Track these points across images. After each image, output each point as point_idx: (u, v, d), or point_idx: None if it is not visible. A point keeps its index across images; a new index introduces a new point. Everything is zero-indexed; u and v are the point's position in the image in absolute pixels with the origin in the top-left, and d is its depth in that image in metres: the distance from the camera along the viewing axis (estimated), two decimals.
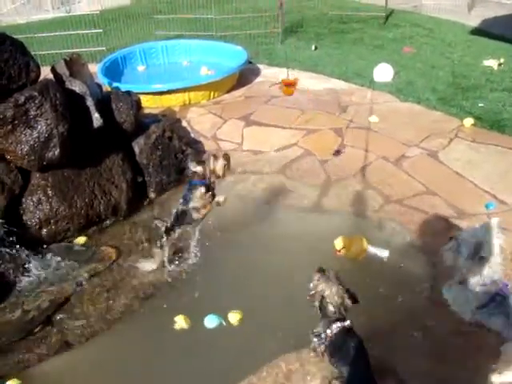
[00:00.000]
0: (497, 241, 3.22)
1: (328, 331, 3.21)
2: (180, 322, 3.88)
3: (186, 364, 3.58)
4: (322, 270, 3.35)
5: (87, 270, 4.45)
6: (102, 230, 5.06)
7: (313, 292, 3.30)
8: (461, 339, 3.54)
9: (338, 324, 3.19)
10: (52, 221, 4.73)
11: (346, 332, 3.19)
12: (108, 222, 5.11)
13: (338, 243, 4.51)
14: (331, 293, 3.23)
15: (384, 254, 4.50)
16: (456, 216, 4.88)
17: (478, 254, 3.23)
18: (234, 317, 3.90)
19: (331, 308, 3.22)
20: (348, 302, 3.23)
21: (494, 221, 3.24)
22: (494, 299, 3.23)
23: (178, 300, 4.15)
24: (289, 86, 7.34)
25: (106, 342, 3.83)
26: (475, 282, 3.29)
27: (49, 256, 4.60)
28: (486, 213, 4.84)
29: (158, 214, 5.31)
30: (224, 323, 3.90)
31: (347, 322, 3.21)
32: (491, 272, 3.24)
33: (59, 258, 4.57)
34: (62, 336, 3.86)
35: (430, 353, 3.49)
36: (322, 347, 3.26)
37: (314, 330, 3.31)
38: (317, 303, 3.29)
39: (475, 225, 3.49)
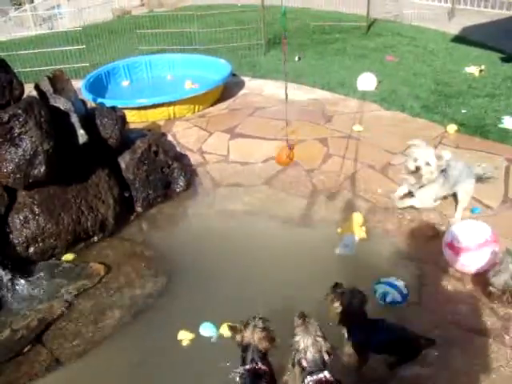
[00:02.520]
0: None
1: None
2: (184, 335, 3.90)
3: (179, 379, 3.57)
4: (302, 317, 3.12)
5: (76, 287, 4.42)
6: (90, 246, 5.05)
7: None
8: None
9: (313, 377, 2.90)
10: (39, 238, 4.71)
11: None
12: (96, 237, 5.10)
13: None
14: (305, 346, 2.98)
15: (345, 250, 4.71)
16: (441, 222, 4.92)
17: None
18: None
19: (304, 363, 2.96)
20: (325, 355, 2.96)
21: None
22: None
23: (171, 313, 4.15)
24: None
25: (97, 360, 3.80)
26: None
27: (37, 274, 4.57)
28: (472, 217, 4.88)
29: (145, 229, 5.33)
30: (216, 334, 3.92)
31: (322, 374, 2.91)
32: None
33: (47, 276, 4.54)
34: (52, 354, 3.83)
35: None
36: None
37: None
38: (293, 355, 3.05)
39: None
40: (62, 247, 4.86)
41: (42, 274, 4.59)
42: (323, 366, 2.92)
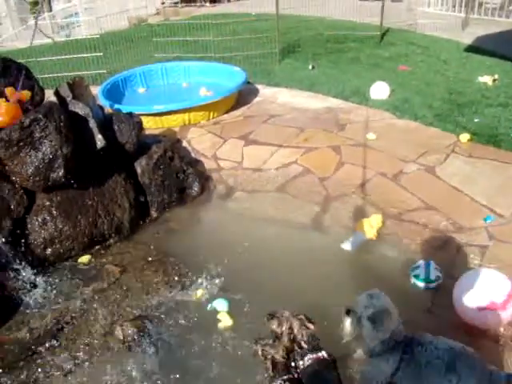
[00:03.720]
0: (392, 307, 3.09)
1: (301, 362, 3.20)
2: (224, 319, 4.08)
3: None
4: (272, 315, 3.36)
5: (91, 289, 4.51)
6: (106, 248, 5.14)
7: (280, 339, 3.30)
8: None
9: (310, 356, 3.18)
10: (57, 240, 4.81)
11: (320, 363, 3.17)
12: (111, 240, 5.19)
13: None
14: (296, 329, 3.27)
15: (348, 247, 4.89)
16: (454, 230, 4.95)
17: (380, 321, 3.00)
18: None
19: (304, 344, 3.24)
20: (311, 326, 3.28)
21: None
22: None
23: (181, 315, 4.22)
24: None
25: (114, 360, 3.86)
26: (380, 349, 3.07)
27: (53, 275, 4.68)
28: (485, 225, 4.92)
29: (159, 233, 5.41)
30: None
31: (321, 353, 3.19)
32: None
33: (64, 277, 4.65)
34: (70, 354, 3.91)
35: None
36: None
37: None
38: (290, 345, 3.28)
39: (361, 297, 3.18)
40: (79, 249, 4.96)
41: (58, 274, 4.70)
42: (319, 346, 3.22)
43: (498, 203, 5.15)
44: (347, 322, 3.11)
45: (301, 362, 3.19)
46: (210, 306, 4.27)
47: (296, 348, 3.26)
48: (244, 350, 3.73)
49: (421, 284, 4.39)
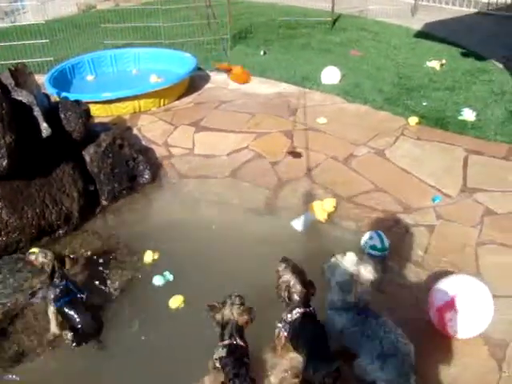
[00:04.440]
0: (368, 275, 3.45)
1: (289, 316, 3.38)
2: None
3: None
4: (285, 260, 3.53)
5: (40, 281, 4.39)
6: (55, 239, 5.02)
7: (279, 282, 3.48)
8: None
9: (298, 310, 3.36)
10: (3, 232, 4.67)
11: (307, 317, 3.36)
12: (60, 231, 5.07)
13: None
14: (295, 282, 3.42)
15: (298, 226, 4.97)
16: (403, 211, 5.06)
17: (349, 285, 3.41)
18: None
19: (296, 297, 3.41)
20: (310, 290, 3.46)
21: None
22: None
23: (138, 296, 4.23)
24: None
25: (63, 352, 3.79)
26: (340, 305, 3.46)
27: (1, 268, 4.54)
28: (433, 206, 5.04)
29: (110, 222, 5.33)
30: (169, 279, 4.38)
31: (309, 308, 3.39)
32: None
33: (12, 270, 4.52)
34: (18, 347, 3.83)
35: None
36: (284, 333, 3.42)
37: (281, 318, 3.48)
38: (284, 293, 3.46)
39: (349, 253, 3.61)
40: (27, 241, 4.82)
41: (6, 268, 4.56)
42: (307, 300, 3.42)
43: (446, 184, 5.30)
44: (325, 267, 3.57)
45: (288, 316, 3.38)
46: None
47: (286, 299, 3.45)
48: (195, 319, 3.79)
49: (378, 253, 4.53)
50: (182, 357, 3.60)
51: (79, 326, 3.77)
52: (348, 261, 3.51)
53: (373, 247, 4.56)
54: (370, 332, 3.23)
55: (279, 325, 3.45)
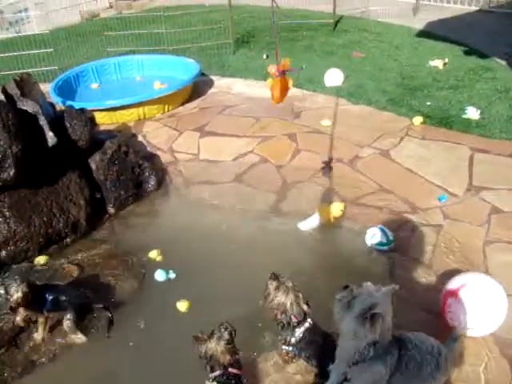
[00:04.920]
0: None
1: (293, 339, 3.36)
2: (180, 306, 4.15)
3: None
4: (275, 278, 3.40)
5: None
6: (63, 247, 5.05)
7: (272, 304, 3.37)
8: None
9: (301, 329, 3.35)
10: (11, 242, 4.71)
11: (310, 330, 3.36)
12: (68, 239, 5.09)
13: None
14: (291, 303, 3.34)
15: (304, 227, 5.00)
16: (410, 211, 5.05)
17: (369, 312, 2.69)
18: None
19: (294, 318, 3.35)
20: (304, 307, 3.37)
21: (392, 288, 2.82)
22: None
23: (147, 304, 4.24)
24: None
25: (72, 360, 3.81)
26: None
27: (9, 277, 4.56)
28: (439, 205, 5.03)
29: (117, 229, 5.35)
30: (171, 278, 4.47)
31: (307, 322, 3.37)
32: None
33: (20, 279, 4.53)
34: (27, 357, 3.83)
35: None
36: (291, 354, 3.44)
37: (281, 337, 3.44)
38: (280, 317, 3.38)
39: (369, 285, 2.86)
40: (35, 250, 4.85)
41: (15, 277, 4.58)
42: (305, 315, 3.36)
43: (452, 183, 5.29)
44: (336, 307, 2.87)
45: (293, 339, 3.36)
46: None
47: (283, 322, 3.38)
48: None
49: (386, 248, 4.63)
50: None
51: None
52: (366, 291, 2.81)
53: (380, 244, 4.64)
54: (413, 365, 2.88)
55: (285, 347, 3.43)
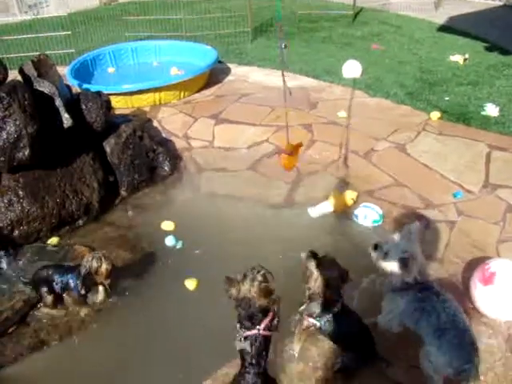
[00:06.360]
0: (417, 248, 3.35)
1: (327, 316, 3.33)
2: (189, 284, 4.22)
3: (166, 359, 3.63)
4: (313, 256, 3.32)
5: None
6: (75, 229, 5.06)
7: (318, 283, 3.30)
8: None
9: (334, 309, 3.32)
10: (24, 222, 4.72)
11: (341, 311, 3.33)
12: (80, 221, 5.11)
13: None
14: (331, 278, 3.28)
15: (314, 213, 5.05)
16: (424, 206, 5.00)
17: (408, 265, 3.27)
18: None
19: (333, 296, 3.32)
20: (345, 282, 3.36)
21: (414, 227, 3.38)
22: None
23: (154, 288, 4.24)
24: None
25: (81, 341, 3.83)
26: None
27: (22, 257, 4.59)
28: (454, 201, 4.97)
29: (130, 213, 5.35)
30: (180, 246, 4.67)
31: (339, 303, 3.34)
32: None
33: (32, 259, 4.56)
34: (37, 335, 3.87)
35: None
36: (317, 324, 3.37)
37: (301, 309, 3.43)
38: (320, 293, 3.31)
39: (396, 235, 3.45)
40: (47, 230, 4.87)
41: (27, 256, 4.61)
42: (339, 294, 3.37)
43: (467, 179, 5.22)
44: (373, 257, 3.42)
45: (327, 315, 3.32)
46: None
47: (321, 296, 3.32)
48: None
49: (379, 223, 4.89)
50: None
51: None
52: (402, 239, 3.38)
53: (375, 221, 4.88)
54: (430, 308, 3.18)
55: (311, 320, 3.38)
